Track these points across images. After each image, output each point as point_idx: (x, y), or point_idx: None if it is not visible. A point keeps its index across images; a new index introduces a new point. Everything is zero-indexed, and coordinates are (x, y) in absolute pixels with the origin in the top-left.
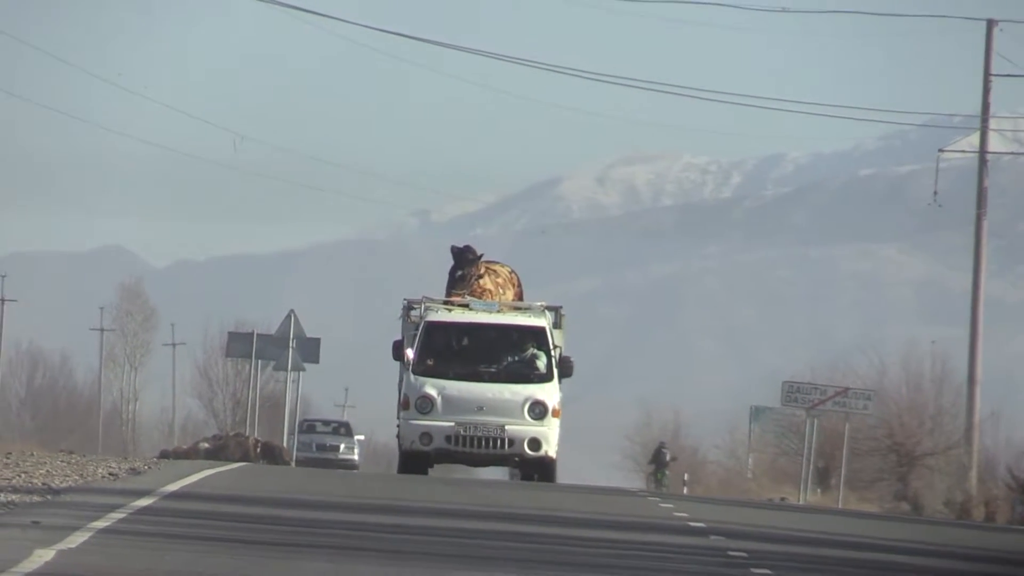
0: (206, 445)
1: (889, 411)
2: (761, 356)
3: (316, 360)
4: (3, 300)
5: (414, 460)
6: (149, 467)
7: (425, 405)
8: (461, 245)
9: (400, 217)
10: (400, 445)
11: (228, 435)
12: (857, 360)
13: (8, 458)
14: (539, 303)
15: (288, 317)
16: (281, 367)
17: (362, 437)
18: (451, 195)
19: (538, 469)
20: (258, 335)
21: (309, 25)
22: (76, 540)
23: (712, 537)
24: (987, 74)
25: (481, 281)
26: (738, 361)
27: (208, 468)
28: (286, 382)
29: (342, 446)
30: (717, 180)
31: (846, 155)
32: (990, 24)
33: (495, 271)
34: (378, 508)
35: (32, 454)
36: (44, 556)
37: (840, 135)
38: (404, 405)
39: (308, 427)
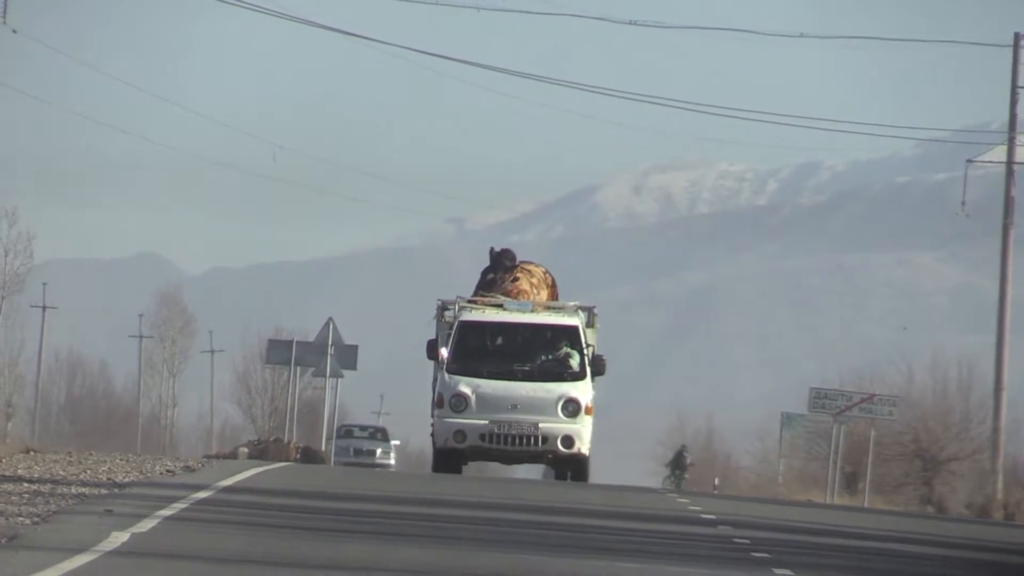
0: (245, 450)
1: (915, 417)
2: (796, 363)
3: (354, 367)
4: (44, 307)
5: (448, 457)
6: (201, 465)
7: (459, 403)
8: (499, 249)
9: (435, 225)
10: (434, 443)
11: (268, 440)
12: (885, 367)
13: (71, 456)
14: (572, 303)
15: (327, 325)
16: (320, 373)
17: (398, 442)
18: (487, 203)
19: (571, 466)
20: (297, 342)
21: (345, 39)
22: (146, 525)
23: (720, 527)
24: (1014, 86)
25: (517, 283)
26: (773, 368)
27: (256, 467)
28: (325, 388)
29: (379, 451)
30: (753, 188)
31: (882, 163)
32: (1017, 37)
33: (530, 271)
34: (414, 500)
35: (91, 453)
36: (121, 538)
37: (876, 143)
38: (438, 403)
39: (345, 432)
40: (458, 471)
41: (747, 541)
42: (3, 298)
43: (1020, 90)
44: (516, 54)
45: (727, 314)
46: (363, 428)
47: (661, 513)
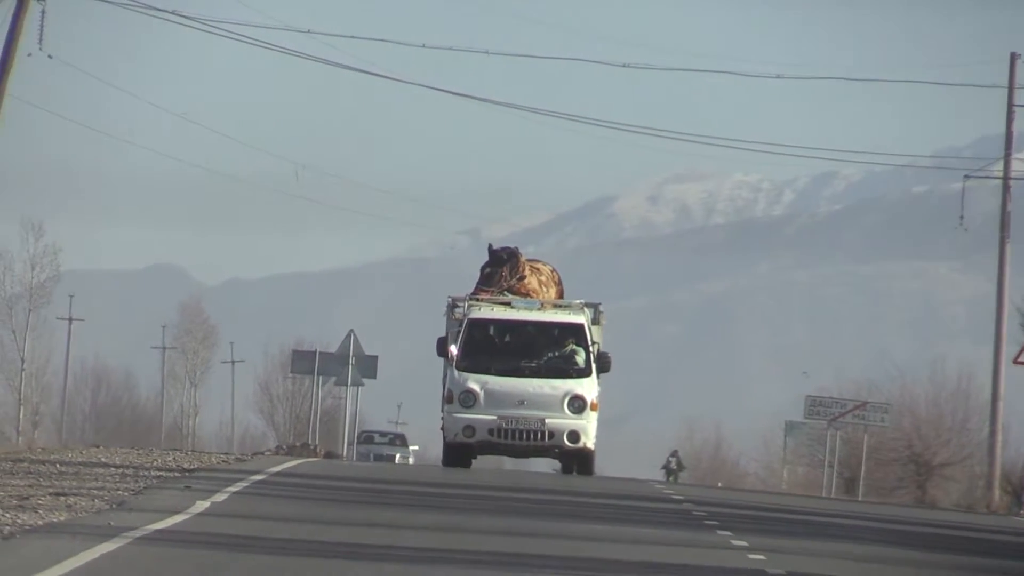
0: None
1: (910, 424)
2: (811, 373)
3: (374, 376)
4: (70, 319)
5: (458, 452)
6: (250, 457)
7: (468, 399)
8: (498, 247)
9: (451, 236)
10: (444, 437)
11: (294, 445)
12: (882, 376)
13: (140, 450)
14: (578, 301)
15: (348, 336)
16: (341, 383)
17: (416, 447)
18: (504, 214)
19: (577, 460)
20: (320, 353)
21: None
22: (220, 497)
23: (685, 504)
24: (1010, 105)
25: (525, 280)
26: (787, 379)
27: (297, 459)
28: (344, 398)
29: (398, 456)
30: (769, 198)
31: (898, 173)
32: (1013, 57)
33: (538, 269)
34: (431, 483)
35: (153, 449)
36: (203, 505)
37: (893, 153)
38: (448, 399)
39: (366, 438)
40: (467, 465)
41: (703, 513)
42: (30, 311)
43: (1018, 108)
44: (531, 84)
45: (742, 324)
46: (383, 434)
47: (638, 494)
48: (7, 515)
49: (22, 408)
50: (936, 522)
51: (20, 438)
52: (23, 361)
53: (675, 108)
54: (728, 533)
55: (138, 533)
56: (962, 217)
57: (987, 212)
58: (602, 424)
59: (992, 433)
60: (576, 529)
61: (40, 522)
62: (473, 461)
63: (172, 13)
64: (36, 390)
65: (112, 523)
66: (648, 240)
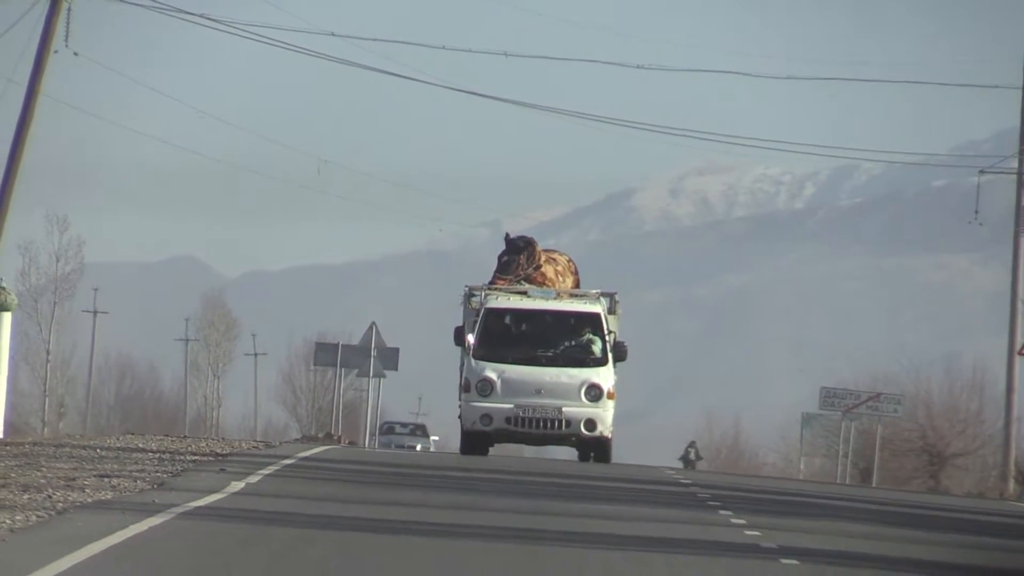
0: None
1: (924, 416)
2: (831, 367)
3: (395, 368)
4: (95, 312)
5: (475, 440)
6: (280, 444)
7: (485, 388)
8: (515, 235)
9: (470, 228)
10: (462, 425)
11: (317, 436)
12: (896, 369)
13: (174, 437)
14: (595, 290)
15: (370, 329)
16: (364, 374)
17: (437, 438)
18: (523, 208)
19: (594, 448)
20: (343, 345)
21: (384, 51)
22: (254, 478)
23: (691, 488)
24: None
25: (541, 270)
26: (808, 371)
27: (323, 446)
28: (366, 389)
29: (419, 446)
30: (790, 191)
31: (919, 166)
32: None
33: (555, 259)
34: (449, 467)
35: (185, 436)
36: (238, 485)
37: (913, 145)
38: (465, 388)
39: (388, 429)
40: (485, 453)
41: (707, 496)
42: (55, 303)
43: None
44: (547, 82)
45: (763, 317)
46: (404, 425)
47: (647, 479)
48: (57, 493)
49: (47, 400)
50: (937, 505)
51: (45, 429)
52: (48, 353)
53: (692, 103)
54: (729, 513)
55: (180, 509)
56: (976, 212)
57: (1008, 205)
58: (623, 416)
59: (1007, 424)
60: (586, 508)
61: (89, 500)
62: (490, 449)
63: (201, 16)
64: (61, 382)
65: (156, 500)
66: (669, 233)
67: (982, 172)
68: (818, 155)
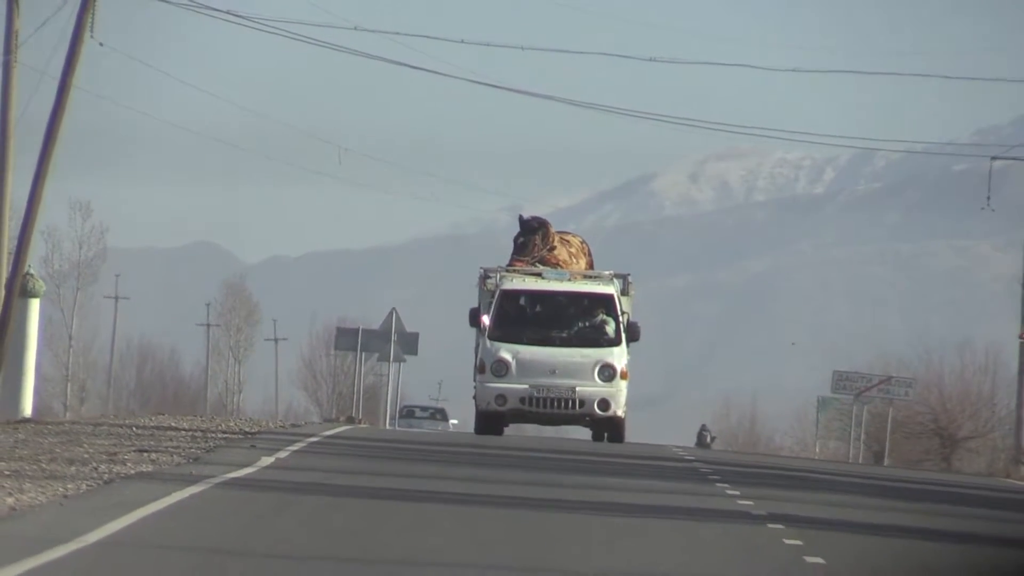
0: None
1: (936, 399)
2: (851, 351)
3: (415, 352)
4: (116, 298)
5: (490, 420)
6: (304, 423)
7: (500, 368)
8: (529, 216)
9: (491, 213)
10: (477, 406)
11: (339, 419)
12: (909, 353)
13: (203, 417)
14: (608, 271)
15: (390, 314)
16: (384, 359)
17: (456, 422)
18: (543, 194)
19: (608, 428)
20: (363, 330)
21: (398, 45)
22: (283, 454)
23: (695, 463)
24: None
25: (555, 252)
26: (827, 356)
27: (346, 425)
28: (387, 374)
29: (439, 429)
30: (810, 176)
31: (939, 150)
32: None
33: (568, 241)
34: (465, 444)
35: (213, 416)
36: (268, 460)
37: (933, 130)
38: (480, 369)
39: (407, 412)
40: (500, 432)
41: (709, 470)
42: (78, 289)
43: None
44: (562, 72)
45: (783, 302)
46: (424, 408)
47: (654, 455)
48: (102, 466)
49: (69, 384)
50: (937, 481)
51: (67, 413)
52: (71, 338)
53: (708, 92)
54: (726, 485)
55: (216, 480)
56: (988, 197)
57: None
58: (642, 401)
59: (1018, 406)
60: (593, 481)
61: (132, 472)
62: (505, 429)
63: (227, 13)
64: (83, 367)
65: (193, 472)
66: (689, 218)
67: (995, 159)
68: (838, 146)
